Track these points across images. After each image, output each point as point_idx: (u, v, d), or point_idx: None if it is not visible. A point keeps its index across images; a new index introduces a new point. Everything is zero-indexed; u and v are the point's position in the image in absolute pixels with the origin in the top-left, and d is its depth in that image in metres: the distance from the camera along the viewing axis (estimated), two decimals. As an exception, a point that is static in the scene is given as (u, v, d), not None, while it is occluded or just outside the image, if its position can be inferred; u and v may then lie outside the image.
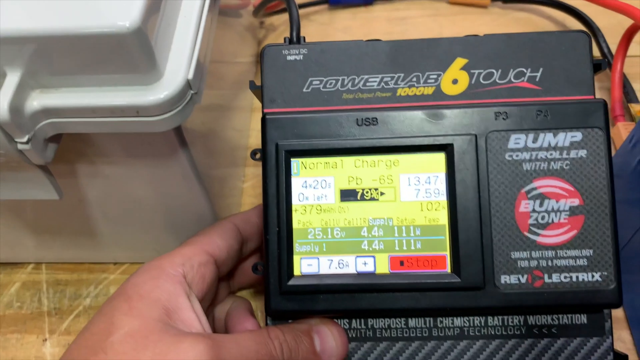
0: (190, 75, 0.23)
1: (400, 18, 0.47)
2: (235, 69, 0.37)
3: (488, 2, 0.47)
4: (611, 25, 0.42)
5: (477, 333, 0.25)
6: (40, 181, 0.25)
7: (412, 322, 0.26)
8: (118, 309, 0.22)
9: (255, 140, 0.36)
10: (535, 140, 0.24)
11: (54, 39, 0.20)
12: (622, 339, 0.32)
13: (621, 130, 0.37)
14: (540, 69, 0.25)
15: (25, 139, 0.21)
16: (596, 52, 0.43)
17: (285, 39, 0.27)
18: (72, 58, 0.21)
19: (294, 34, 0.28)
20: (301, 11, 0.49)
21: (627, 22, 0.37)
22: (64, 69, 0.22)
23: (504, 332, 0.25)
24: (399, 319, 0.26)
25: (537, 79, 0.25)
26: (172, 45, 0.23)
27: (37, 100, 0.22)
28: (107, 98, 0.22)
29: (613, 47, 0.40)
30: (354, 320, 0.26)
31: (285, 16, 0.48)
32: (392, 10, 0.48)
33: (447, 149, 0.24)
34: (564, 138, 0.24)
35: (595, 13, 0.43)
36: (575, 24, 0.44)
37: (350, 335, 0.26)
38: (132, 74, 0.22)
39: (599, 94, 0.41)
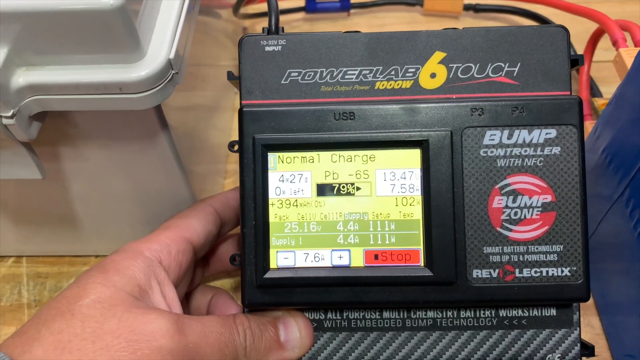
0: (172, 55, 0.23)
1: (380, 25, 0.49)
2: (218, 72, 0.37)
3: (460, 12, 0.48)
4: (579, 33, 0.43)
5: (449, 324, 0.26)
6: (24, 159, 0.25)
7: (386, 313, 0.26)
8: (93, 277, 0.23)
9: (237, 139, 0.38)
10: (510, 136, 0.25)
11: (39, 15, 0.21)
12: (591, 325, 0.33)
13: (589, 130, 0.38)
14: (519, 64, 0.25)
15: (10, 114, 0.22)
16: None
17: (263, 29, 0.27)
18: (57, 35, 0.22)
19: (273, 23, 0.27)
20: (281, 18, 0.49)
21: (594, 29, 0.38)
22: (50, 46, 0.22)
23: (475, 324, 0.26)
24: (374, 311, 0.26)
25: (515, 74, 0.25)
26: (155, 28, 0.24)
27: (22, 77, 0.23)
28: (91, 75, 0.23)
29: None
30: (329, 311, 0.26)
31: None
32: (371, 18, 0.50)
33: (422, 144, 0.25)
34: (539, 135, 0.25)
35: (564, 21, 0.44)
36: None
37: (325, 326, 0.26)
38: (115, 52, 0.23)
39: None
